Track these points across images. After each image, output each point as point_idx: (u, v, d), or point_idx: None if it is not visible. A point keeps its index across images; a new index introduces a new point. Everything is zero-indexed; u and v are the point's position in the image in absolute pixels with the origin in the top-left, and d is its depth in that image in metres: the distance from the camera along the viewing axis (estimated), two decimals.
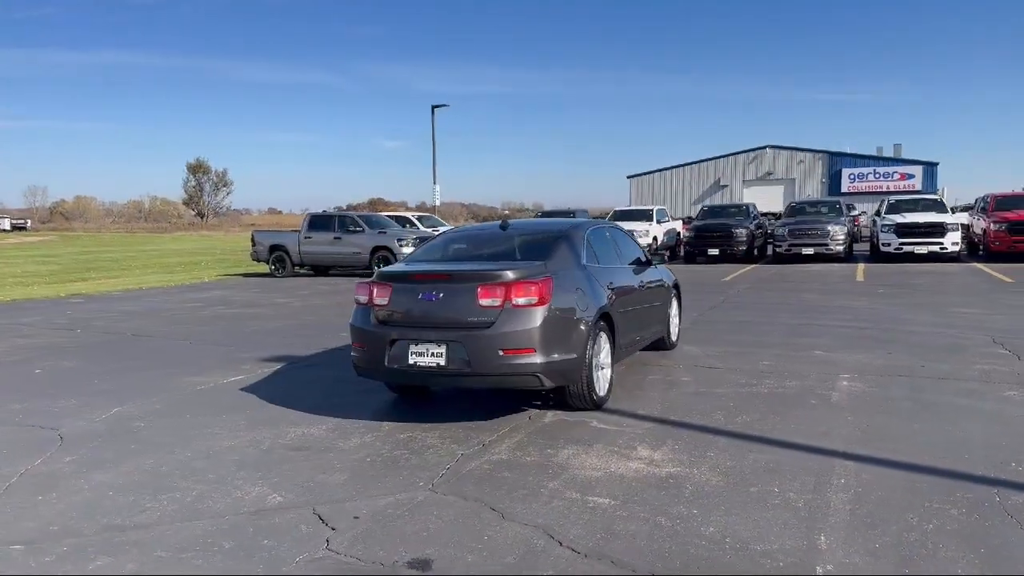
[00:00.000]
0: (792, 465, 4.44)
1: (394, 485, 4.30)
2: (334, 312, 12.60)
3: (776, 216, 28.51)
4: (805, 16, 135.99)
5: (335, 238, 20.78)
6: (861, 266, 19.24)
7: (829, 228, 20.88)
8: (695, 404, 5.89)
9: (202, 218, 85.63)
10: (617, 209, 26.23)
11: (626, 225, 23.09)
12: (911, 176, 47.44)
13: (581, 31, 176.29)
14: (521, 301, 5.15)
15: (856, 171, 48.53)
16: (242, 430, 5.52)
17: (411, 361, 5.26)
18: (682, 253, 23.48)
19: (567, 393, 5.57)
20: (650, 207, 26.45)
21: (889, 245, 20.01)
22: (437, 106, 33.04)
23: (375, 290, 5.57)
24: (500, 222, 6.71)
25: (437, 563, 3.30)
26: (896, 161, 48.68)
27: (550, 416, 5.64)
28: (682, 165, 52.90)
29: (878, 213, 22.82)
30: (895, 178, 47.69)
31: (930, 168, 47.45)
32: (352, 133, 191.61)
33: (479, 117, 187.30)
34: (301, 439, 5.27)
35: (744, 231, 21.68)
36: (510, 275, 5.21)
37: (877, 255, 20.70)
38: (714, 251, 21.73)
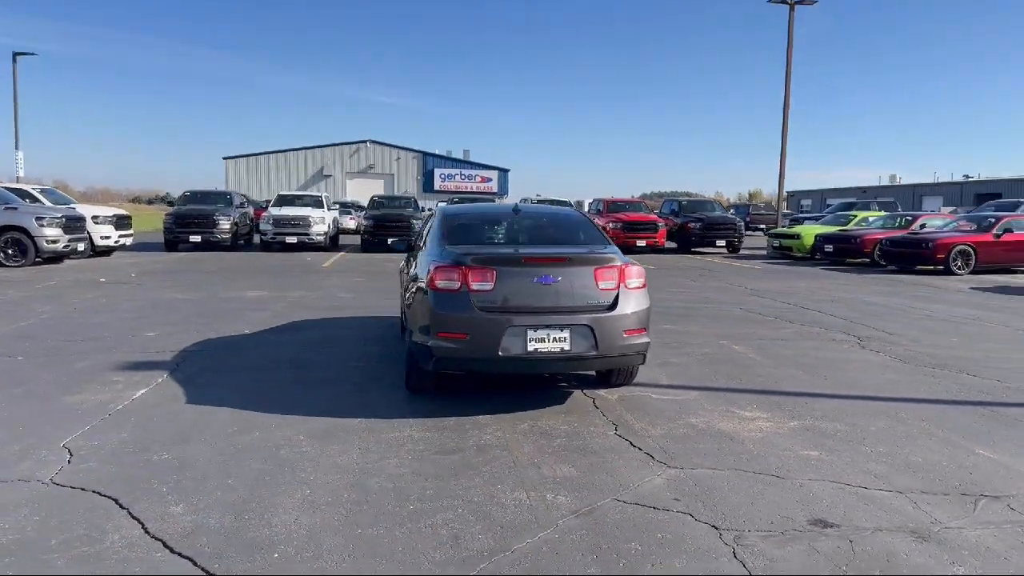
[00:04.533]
0: (856, 409, 5.56)
1: (631, 469, 4.22)
2: (77, 306, 9.88)
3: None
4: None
5: None
6: None
7: None
8: (686, 371, 6.68)
9: None
10: (281, 193, 24.83)
11: (296, 211, 22.26)
12: (490, 179, 54.34)
13: None
14: (632, 283, 5.32)
15: (447, 171, 53.63)
16: (335, 444, 4.55)
17: (531, 348, 4.98)
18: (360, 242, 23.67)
19: (619, 370, 5.87)
20: (319, 193, 25.75)
21: None
22: (20, 54, 26.76)
23: (471, 274, 5.06)
24: (512, 205, 6.52)
25: (833, 519, 3.58)
26: (479, 166, 55.13)
27: (604, 392, 5.86)
28: (283, 151, 51.67)
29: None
30: (477, 180, 54.05)
31: (504, 173, 55.00)
32: None
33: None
34: (432, 444, 4.60)
35: (418, 223, 22.75)
36: (617, 259, 5.33)
37: None
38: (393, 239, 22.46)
